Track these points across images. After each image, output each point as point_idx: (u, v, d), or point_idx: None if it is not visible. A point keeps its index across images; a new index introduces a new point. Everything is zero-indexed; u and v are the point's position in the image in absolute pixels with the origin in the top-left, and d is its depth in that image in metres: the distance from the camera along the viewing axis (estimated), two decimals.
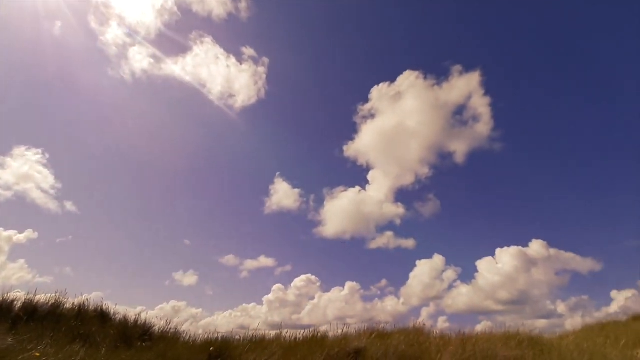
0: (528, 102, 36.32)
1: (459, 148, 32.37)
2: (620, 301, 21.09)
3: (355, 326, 8.09)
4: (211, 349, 5.01)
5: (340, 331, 7.34)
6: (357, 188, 31.98)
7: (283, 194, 33.59)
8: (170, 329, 6.70)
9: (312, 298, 27.64)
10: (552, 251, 25.47)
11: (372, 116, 32.50)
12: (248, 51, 33.68)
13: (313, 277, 28.28)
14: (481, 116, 30.47)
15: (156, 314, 8.90)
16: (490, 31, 37.71)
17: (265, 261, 30.71)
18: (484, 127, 30.72)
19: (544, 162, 35.48)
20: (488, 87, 31.23)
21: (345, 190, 32.84)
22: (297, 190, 33.58)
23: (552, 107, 35.15)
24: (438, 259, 27.94)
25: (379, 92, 32.38)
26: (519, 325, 7.19)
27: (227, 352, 5.16)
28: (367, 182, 33.15)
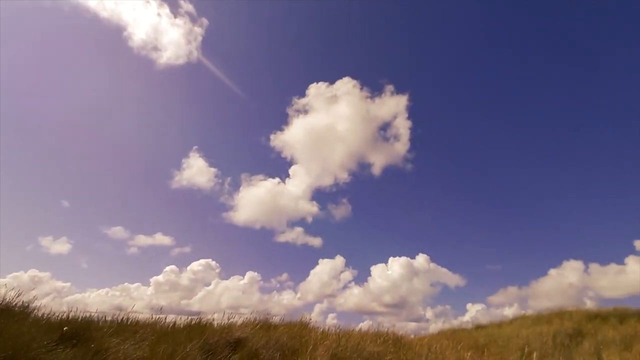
0: (443, 133, 41.60)
1: (378, 161, 35.23)
2: (472, 312, 25.96)
3: (246, 317, 8.09)
4: (65, 328, 4.35)
5: (227, 320, 7.24)
6: (277, 180, 31.96)
7: (197, 171, 31.25)
8: (20, 302, 5.60)
9: (208, 284, 26.48)
10: (432, 265, 29.86)
11: (306, 112, 32.91)
12: (187, 6, 30.29)
13: (213, 263, 27.13)
14: (401, 137, 33.78)
15: (6, 282, 7.43)
16: (427, 61, 41.95)
17: (161, 239, 28.05)
18: (401, 147, 34.12)
19: (442, 188, 41.16)
20: (412, 112, 34.79)
21: (265, 180, 32.43)
22: (213, 170, 31.64)
23: (463, 141, 41.05)
24: (339, 260, 29.86)
25: (317, 90, 32.98)
26: (392, 326, 8.28)
27: (85, 333, 4.56)
28: (288, 175, 33.36)
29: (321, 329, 7.67)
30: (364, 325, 8.72)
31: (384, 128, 33.71)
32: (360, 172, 34.90)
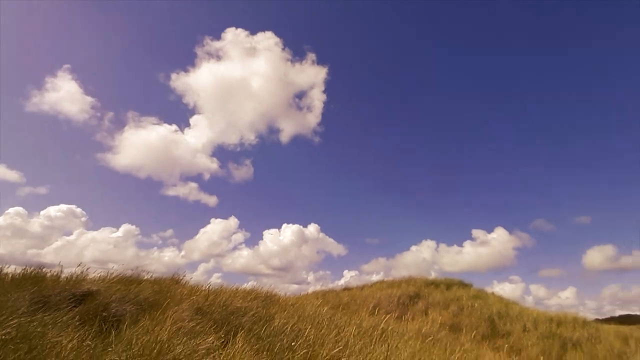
0: (354, 112, 44.03)
1: (288, 128, 35.18)
2: (347, 278, 29.61)
3: (113, 272, 7.24)
4: None
5: (80, 273, 6.37)
6: (174, 127, 28.61)
7: (66, 96, 25.37)
8: None
9: (69, 234, 22.77)
10: (322, 235, 32.50)
11: (218, 58, 29.81)
12: None
13: (78, 210, 23.29)
14: (314, 108, 34.33)
15: None
16: (353, 40, 42.75)
17: (5, 174, 22.39)
18: (313, 118, 34.77)
19: (343, 165, 44.28)
20: (329, 86, 35.52)
21: (158, 124, 28.65)
22: (90, 99, 26.23)
23: (371, 123, 44.26)
24: (233, 222, 29.47)
25: (234, 37, 30.02)
26: (270, 285, 8.78)
27: None
28: (188, 124, 30.16)
29: (192, 286, 7.54)
30: (247, 285, 8.92)
31: (300, 96, 33.59)
32: (269, 136, 34.37)
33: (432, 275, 16.78)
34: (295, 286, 28.15)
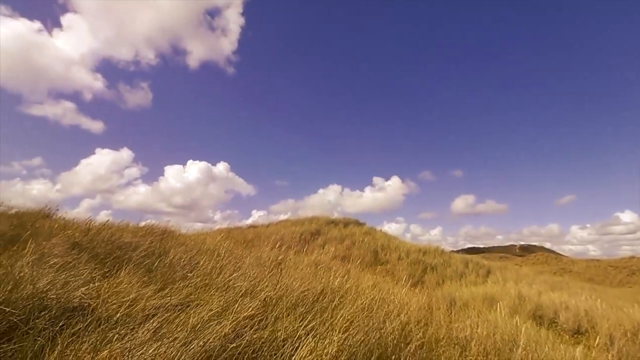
0: (275, 45, 41.12)
1: (196, 52, 30.90)
2: (255, 217, 30.43)
3: None
4: None
5: None
6: (38, 25, 22.02)
7: None
8: None
9: None
10: (231, 174, 31.84)
11: None
12: None
13: None
14: (230, 32, 30.67)
15: None
16: None
17: None
18: (228, 45, 31.22)
19: (257, 101, 42.37)
20: (248, 9, 31.79)
21: (13, 17, 21.62)
22: None
23: (290, 59, 42.24)
24: (126, 154, 26.02)
25: None
26: (179, 225, 8.38)
27: None
28: (58, 24, 23.58)
29: (68, 220, 6.63)
30: (143, 223, 8.21)
31: (213, 13, 29.29)
32: (173, 58, 29.79)
33: (334, 216, 18.61)
34: (200, 225, 27.66)
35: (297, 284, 3.47)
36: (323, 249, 12.06)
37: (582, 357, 3.46)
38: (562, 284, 16.88)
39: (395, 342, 2.34)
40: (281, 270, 4.05)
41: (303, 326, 2.24)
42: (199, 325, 2.17)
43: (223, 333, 2.12)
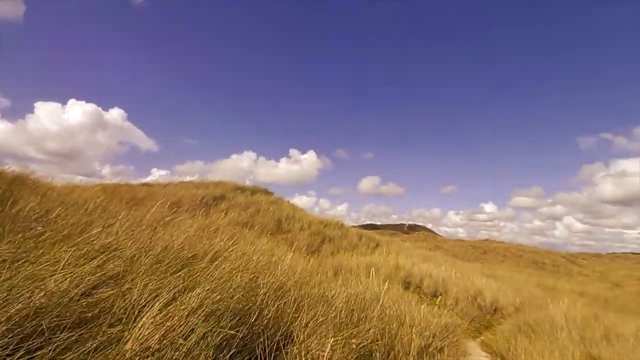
0: None
1: None
2: (155, 177, 27.36)
3: None
4: None
5: None
6: None
7: None
8: None
9: None
10: (128, 124, 27.62)
11: None
12: None
13: None
14: None
15: None
16: None
17: None
18: None
19: (170, 41, 37.25)
20: None
21: None
22: None
23: None
24: None
25: None
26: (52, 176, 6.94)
27: None
28: None
29: None
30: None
31: None
32: None
33: (244, 182, 18.13)
34: (83, 178, 23.57)
35: (177, 244, 3.25)
36: (225, 214, 11.71)
37: (427, 311, 4.23)
38: (433, 257, 20.32)
39: (266, 299, 2.41)
40: (164, 231, 3.74)
41: (170, 283, 2.11)
42: (29, 282, 1.83)
43: (62, 288, 1.84)
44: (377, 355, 2.67)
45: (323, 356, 1.83)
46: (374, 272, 5.90)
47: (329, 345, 1.90)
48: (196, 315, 1.75)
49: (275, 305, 2.37)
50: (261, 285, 2.51)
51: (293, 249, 11.13)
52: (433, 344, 3.42)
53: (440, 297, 9.25)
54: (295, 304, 2.62)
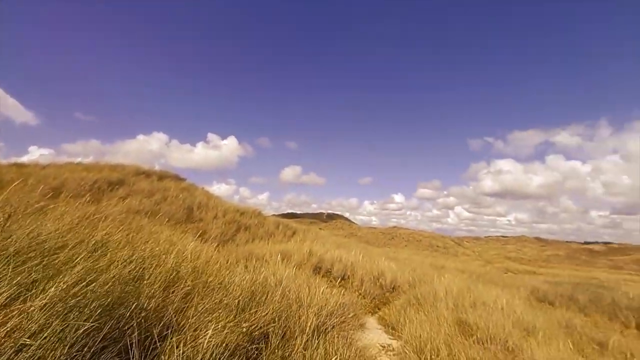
0: None
1: None
2: (35, 155, 22.67)
3: None
4: None
5: None
6: None
7: None
8: None
9: None
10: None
11: None
12: None
13: None
14: None
15: None
16: None
17: None
18: None
19: None
20: None
21: None
22: None
23: None
24: None
25: None
26: None
27: None
28: None
29: None
30: None
31: None
32: None
33: (149, 167, 16.34)
34: None
35: (45, 232, 2.78)
36: (124, 201, 10.43)
37: (327, 292, 4.53)
38: (346, 244, 21.74)
39: (152, 290, 2.25)
40: (30, 218, 3.14)
41: (21, 275, 1.79)
42: None
43: None
44: (273, 336, 2.75)
45: (204, 343, 1.80)
46: (280, 259, 6.03)
47: (210, 331, 1.87)
48: (51, 311, 1.53)
49: (163, 296, 2.24)
50: (146, 276, 2.33)
51: (201, 238, 10.63)
52: (329, 321, 3.68)
53: (348, 280, 9.99)
54: (188, 293, 2.51)
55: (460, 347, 4.73)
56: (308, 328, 3.11)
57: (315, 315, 3.28)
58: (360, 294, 8.90)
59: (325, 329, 3.35)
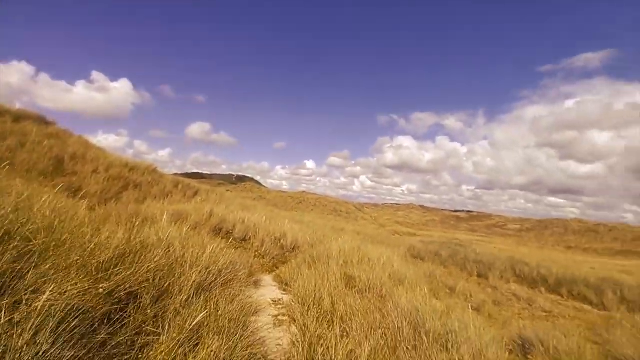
0: None
1: None
2: None
3: None
4: None
5: None
6: None
7: None
8: None
9: None
10: None
11: None
12: None
13: None
14: None
15: None
16: None
17: None
18: None
19: None
20: None
21: None
22: None
23: None
24: None
25: None
26: None
27: None
28: None
29: None
30: None
31: None
32: None
33: (17, 106, 12.76)
34: None
35: None
36: None
37: (219, 251, 4.44)
38: (253, 207, 21.65)
39: None
40: None
41: None
42: None
43: None
44: (146, 296, 2.56)
45: (38, 306, 1.54)
46: (171, 219, 5.62)
47: (47, 294, 1.61)
48: None
49: None
50: None
51: (74, 195, 9.14)
52: (218, 280, 3.64)
53: (249, 241, 10.04)
54: (31, 253, 2.11)
55: (342, 297, 5.32)
56: (188, 287, 3.00)
57: (198, 273, 3.18)
58: (260, 254, 9.08)
59: (211, 287, 3.29)
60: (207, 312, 2.53)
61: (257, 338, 3.31)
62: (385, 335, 4.35)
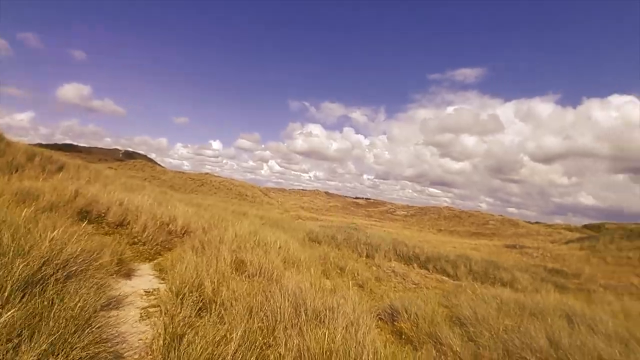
0: None
1: None
2: None
3: None
4: None
5: None
6: None
7: None
8: None
9: None
10: None
11: None
12: None
13: None
14: None
15: None
16: None
17: None
18: None
19: None
20: None
21: None
22: None
23: None
24: None
25: None
26: None
27: None
28: None
29: None
30: None
31: None
32: None
33: None
34: None
35: None
36: None
37: (66, 239, 3.73)
38: (140, 187, 19.21)
39: None
40: None
41: None
42: None
43: None
44: None
45: None
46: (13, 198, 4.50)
47: None
48: None
49: None
50: None
51: None
52: (60, 272, 3.04)
53: (128, 226, 8.84)
54: None
55: (227, 282, 5.15)
56: (13, 282, 2.42)
57: (26, 265, 2.58)
58: (139, 241, 8.09)
59: (46, 282, 2.72)
60: (27, 311, 2.07)
61: (112, 335, 2.92)
62: (267, 317, 4.40)
